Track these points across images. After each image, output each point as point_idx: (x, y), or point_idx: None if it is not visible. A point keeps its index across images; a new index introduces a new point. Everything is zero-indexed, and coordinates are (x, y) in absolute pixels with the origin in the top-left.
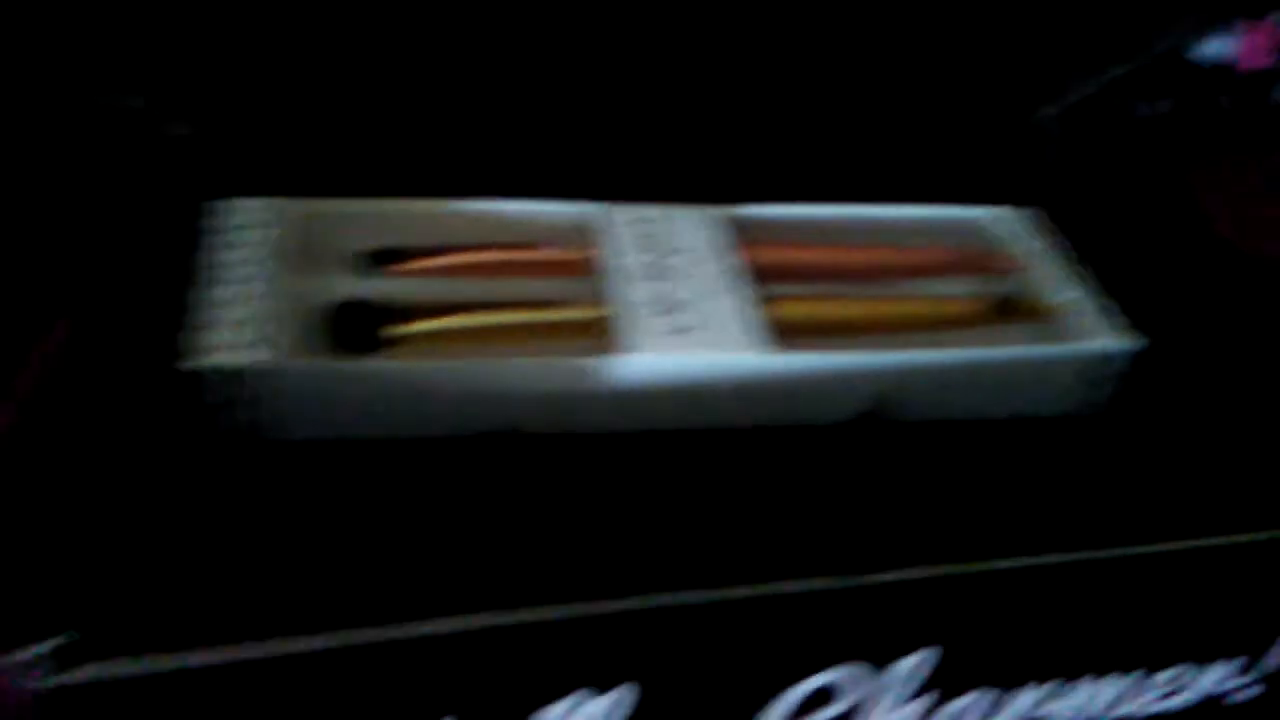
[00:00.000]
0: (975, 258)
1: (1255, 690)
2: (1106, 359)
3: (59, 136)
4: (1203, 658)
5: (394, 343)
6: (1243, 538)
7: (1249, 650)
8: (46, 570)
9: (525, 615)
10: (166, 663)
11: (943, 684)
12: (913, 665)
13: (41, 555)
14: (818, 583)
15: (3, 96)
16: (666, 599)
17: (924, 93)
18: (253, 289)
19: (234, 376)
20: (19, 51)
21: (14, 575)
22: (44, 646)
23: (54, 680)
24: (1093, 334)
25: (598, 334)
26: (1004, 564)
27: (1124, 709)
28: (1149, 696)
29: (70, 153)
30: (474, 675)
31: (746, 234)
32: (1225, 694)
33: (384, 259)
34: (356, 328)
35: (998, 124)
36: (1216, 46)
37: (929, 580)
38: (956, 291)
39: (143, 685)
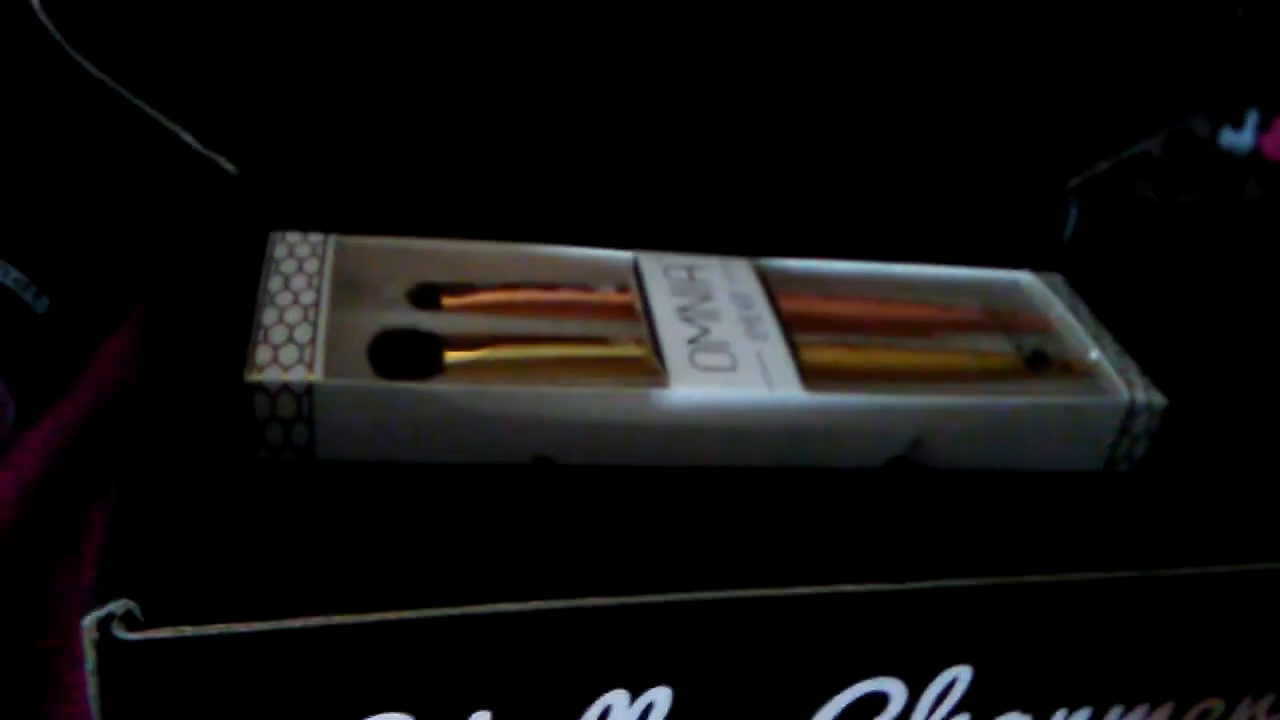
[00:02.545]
0: (1004, 316)
1: None
2: (1134, 413)
3: (115, 168)
4: (1232, 694)
5: (440, 371)
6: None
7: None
8: (115, 550)
9: (557, 604)
10: (210, 630)
11: (977, 705)
12: (946, 683)
13: (112, 537)
14: (844, 588)
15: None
16: (706, 595)
17: (952, 160)
18: (306, 315)
19: (284, 393)
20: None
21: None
22: (110, 609)
23: (118, 637)
24: (1121, 389)
25: (639, 371)
26: (1034, 579)
27: None
28: None
29: (125, 184)
30: (507, 666)
31: (781, 285)
32: None
33: (431, 293)
34: (405, 354)
35: (1022, 192)
36: (1244, 137)
37: (957, 591)
38: (987, 346)
39: (187, 647)
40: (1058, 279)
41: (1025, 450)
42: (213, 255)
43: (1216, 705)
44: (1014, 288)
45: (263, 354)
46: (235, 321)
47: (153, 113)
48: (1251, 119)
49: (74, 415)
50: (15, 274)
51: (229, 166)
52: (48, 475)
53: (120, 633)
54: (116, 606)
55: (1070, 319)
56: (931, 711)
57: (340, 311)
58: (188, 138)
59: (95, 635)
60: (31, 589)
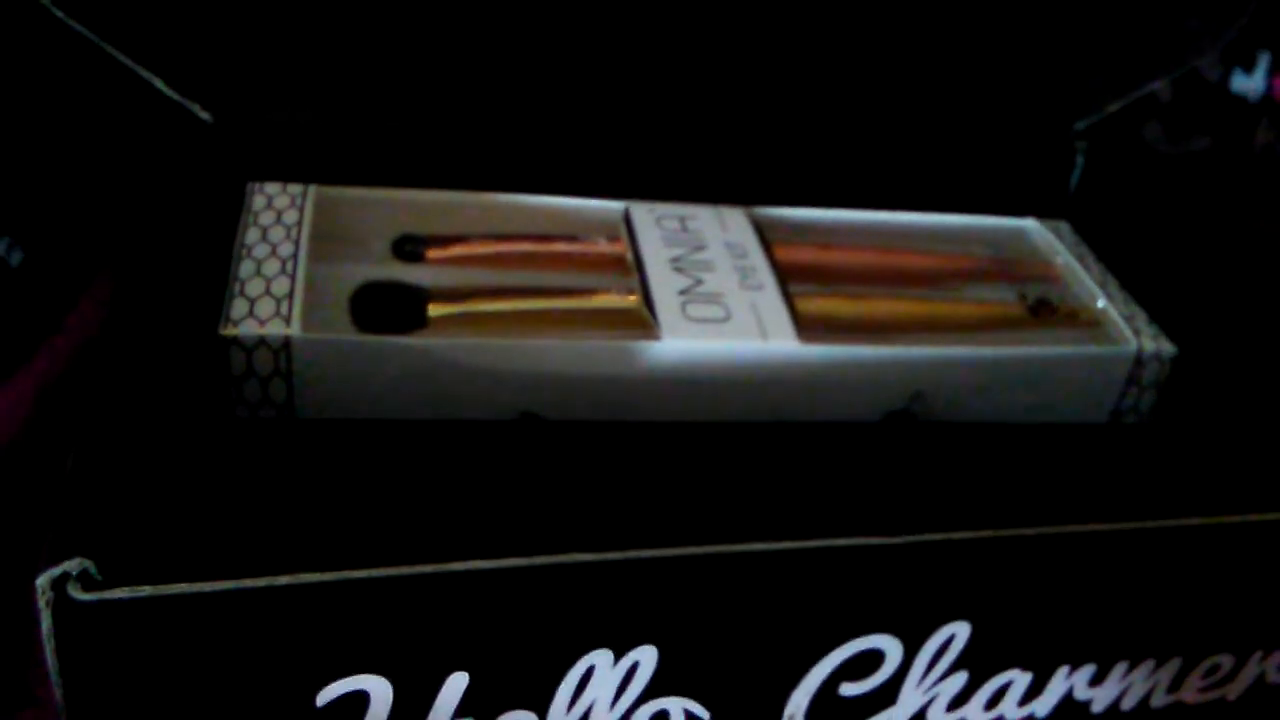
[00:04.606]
0: (1008, 264)
1: None
2: (1142, 362)
3: (91, 120)
4: (1242, 649)
5: (424, 325)
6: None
7: None
8: (71, 507)
9: (536, 561)
10: (170, 590)
11: (975, 663)
12: (943, 640)
13: (69, 494)
14: (834, 542)
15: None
16: (688, 550)
17: (953, 102)
18: (283, 268)
19: (260, 347)
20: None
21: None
22: (64, 568)
23: (73, 597)
24: (1129, 339)
25: (629, 323)
26: (1032, 531)
27: (1165, 698)
28: (1190, 687)
29: (102, 136)
30: (485, 626)
31: (777, 235)
32: (1270, 688)
33: (416, 246)
34: (387, 307)
35: (1026, 136)
36: (1256, 80)
37: (954, 544)
38: (990, 296)
39: (147, 607)
40: (1064, 226)
41: (1030, 402)
42: (189, 206)
43: (1225, 661)
44: (1019, 235)
45: (238, 307)
46: (211, 275)
47: (126, 60)
48: (1263, 61)
49: (49, 371)
50: None
51: (204, 115)
52: (22, 431)
53: (76, 593)
54: (72, 565)
55: (1076, 267)
56: (928, 669)
57: (320, 264)
58: (161, 85)
59: (50, 595)
60: (6, 550)
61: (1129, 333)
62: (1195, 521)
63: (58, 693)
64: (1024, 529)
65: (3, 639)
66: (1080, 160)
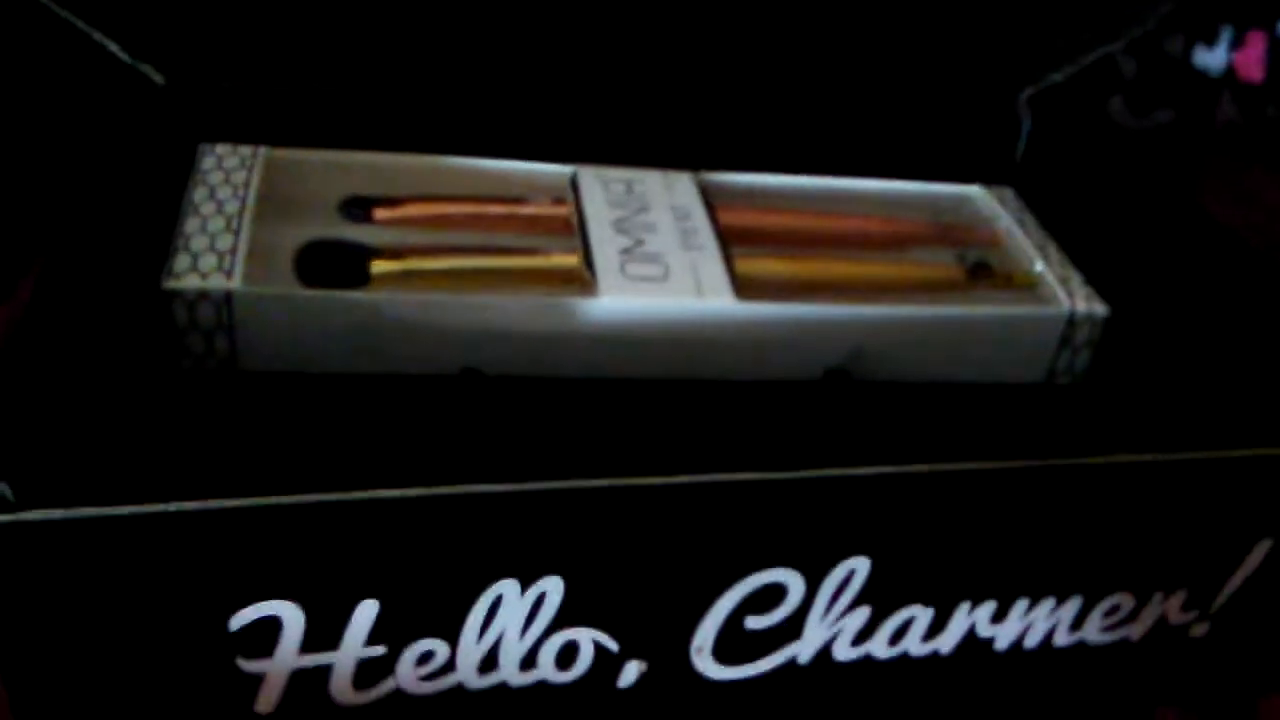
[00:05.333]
0: (950, 229)
1: (1202, 629)
2: (1075, 323)
3: (43, 83)
4: (1142, 590)
5: (367, 281)
6: (1187, 454)
7: (1193, 586)
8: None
9: (443, 490)
10: (81, 513)
11: (877, 598)
12: (844, 575)
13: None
14: (743, 475)
15: None
16: (591, 482)
17: (899, 69)
18: (229, 225)
19: (203, 300)
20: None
21: None
22: None
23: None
24: (1062, 300)
25: (571, 282)
26: (928, 468)
27: (1067, 636)
28: (1091, 626)
29: (54, 99)
30: (394, 554)
31: (721, 199)
32: (1172, 629)
33: (362, 207)
34: (331, 264)
35: (971, 102)
36: (1217, 54)
37: (851, 480)
38: (930, 259)
39: (60, 530)
40: (1008, 192)
41: (966, 362)
42: (139, 168)
43: (1125, 601)
44: (963, 201)
45: (181, 262)
46: (160, 233)
47: (80, 23)
48: (1225, 36)
49: (4, 329)
50: None
51: (157, 77)
52: None
53: None
54: None
55: (1017, 231)
56: (831, 603)
57: (269, 224)
58: (115, 48)
59: None
60: None
61: (1063, 295)
62: (1092, 460)
63: None
64: (920, 465)
65: None
66: (1026, 127)
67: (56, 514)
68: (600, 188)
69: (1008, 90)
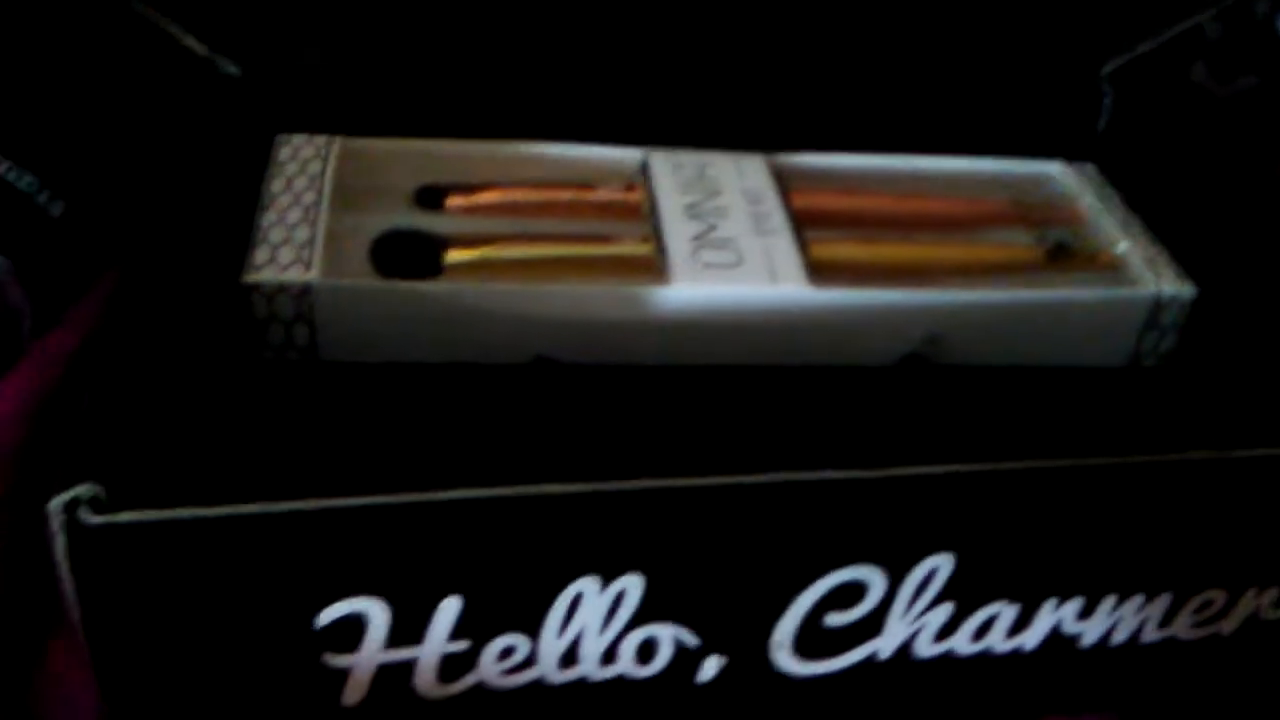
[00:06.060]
0: (1030, 209)
1: None
2: (1161, 305)
3: (119, 78)
4: (1235, 585)
5: (441, 271)
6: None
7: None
8: (86, 435)
9: (526, 490)
10: (174, 514)
11: (960, 594)
12: (926, 572)
13: (84, 423)
14: (824, 474)
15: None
16: (672, 481)
17: (976, 43)
18: (306, 216)
19: (281, 293)
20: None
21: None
22: (75, 493)
23: (83, 521)
24: (1148, 281)
25: (642, 269)
26: (1014, 465)
27: (1158, 633)
28: (1182, 622)
29: (131, 93)
30: (478, 552)
31: (795, 182)
32: (1264, 625)
33: (435, 195)
34: (406, 254)
35: (1051, 76)
36: None
37: (933, 478)
38: (1009, 240)
39: (153, 531)
40: (1090, 168)
41: (1046, 346)
42: (216, 160)
43: (1218, 597)
44: (1043, 179)
45: (261, 254)
46: (239, 225)
47: (155, 16)
48: None
49: (89, 321)
50: (28, 178)
51: (232, 69)
52: (63, 383)
53: (86, 517)
54: (82, 490)
55: (1100, 209)
56: (913, 600)
57: (344, 214)
58: (191, 41)
59: (62, 519)
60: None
61: (1149, 275)
62: (1177, 457)
63: (75, 615)
64: (1004, 464)
65: (34, 572)
66: (1108, 102)
67: (149, 516)
68: (671, 171)
69: (1090, 62)
